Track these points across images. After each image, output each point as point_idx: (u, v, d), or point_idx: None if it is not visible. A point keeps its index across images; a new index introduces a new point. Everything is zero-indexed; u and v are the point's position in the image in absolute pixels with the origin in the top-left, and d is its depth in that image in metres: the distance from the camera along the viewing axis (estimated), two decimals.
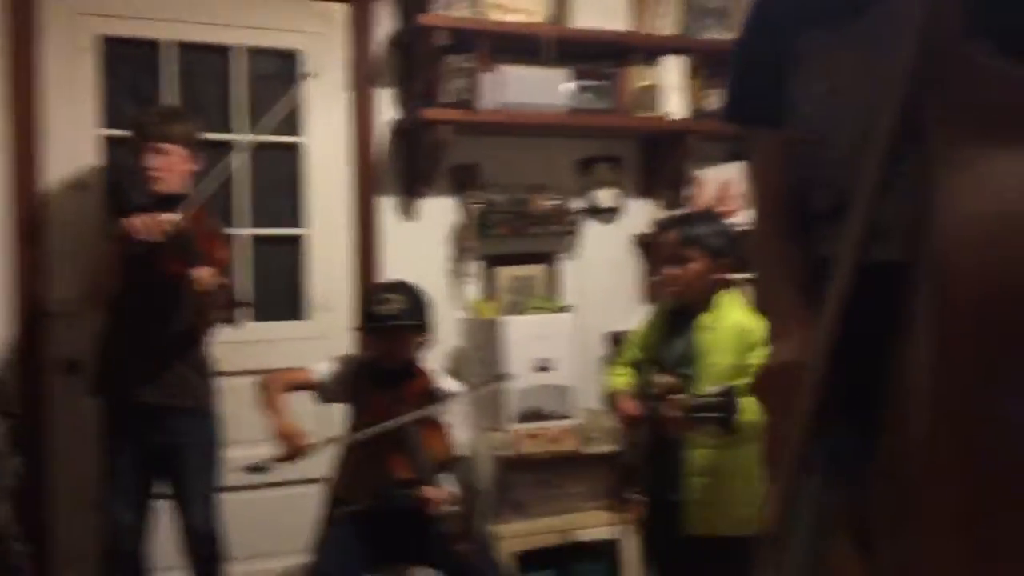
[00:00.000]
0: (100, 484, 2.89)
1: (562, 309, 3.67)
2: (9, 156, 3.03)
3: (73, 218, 3.12)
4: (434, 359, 3.06)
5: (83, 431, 3.05)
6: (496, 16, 3.50)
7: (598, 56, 3.67)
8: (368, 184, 3.53)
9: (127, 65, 3.23)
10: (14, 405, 2.98)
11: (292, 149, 3.46)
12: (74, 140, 3.13)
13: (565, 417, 3.46)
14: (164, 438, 2.85)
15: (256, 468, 2.63)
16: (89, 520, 2.95)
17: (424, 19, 3.32)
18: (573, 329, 3.55)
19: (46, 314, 3.08)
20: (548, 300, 3.72)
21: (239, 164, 2.84)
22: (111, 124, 3.16)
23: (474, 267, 3.70)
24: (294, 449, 2.65)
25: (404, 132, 3.55)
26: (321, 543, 2.75)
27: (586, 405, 3.57)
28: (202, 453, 2.91)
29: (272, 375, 2.83)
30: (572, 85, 3.60)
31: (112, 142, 3.15)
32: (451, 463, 2.81)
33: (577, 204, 3.84)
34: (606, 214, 3.93)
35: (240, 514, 3.12)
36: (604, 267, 3.90)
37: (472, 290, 3.70)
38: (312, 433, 2.71)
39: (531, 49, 3.50)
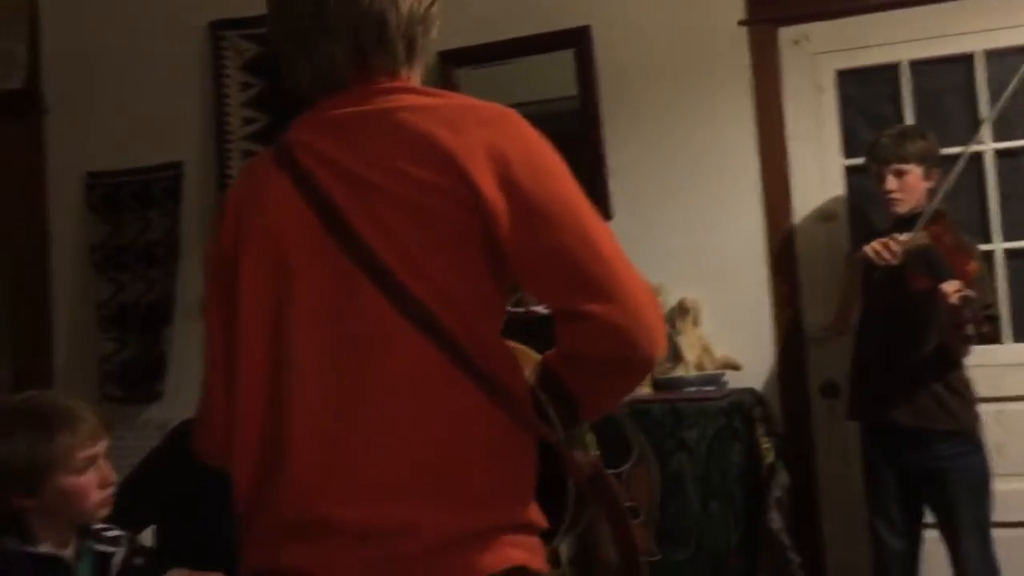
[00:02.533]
0: (866, 505, 2.92)
1: None
2: (763, 194, 3.30)
3: (822, 248, 3.26)
4: None
5: (847, 451, 3.14)
6: None
7: None
8: None
9: (864, 93, 3.28)
10: (779, 425, 3.21)
11: None
12: (820, 173, 3.28)
13: None
14: (924, 462, 2.77)
15: None
16: (860, 537, 2.98)
17: None
18: None
19: (804, 339, 3.27)
20: None
21: (956, 175, 2.73)
22: (852, 153, 3.24)
23: None
24: None
25: None
26: None
27: None
28: (968, 481, 2.75)
29: None
30: None
31: (853, 171, 3.23)
32: None
33: None
34: None
35: (1018, 553, 2.87)
36: None
37: None
38: None
39: None
